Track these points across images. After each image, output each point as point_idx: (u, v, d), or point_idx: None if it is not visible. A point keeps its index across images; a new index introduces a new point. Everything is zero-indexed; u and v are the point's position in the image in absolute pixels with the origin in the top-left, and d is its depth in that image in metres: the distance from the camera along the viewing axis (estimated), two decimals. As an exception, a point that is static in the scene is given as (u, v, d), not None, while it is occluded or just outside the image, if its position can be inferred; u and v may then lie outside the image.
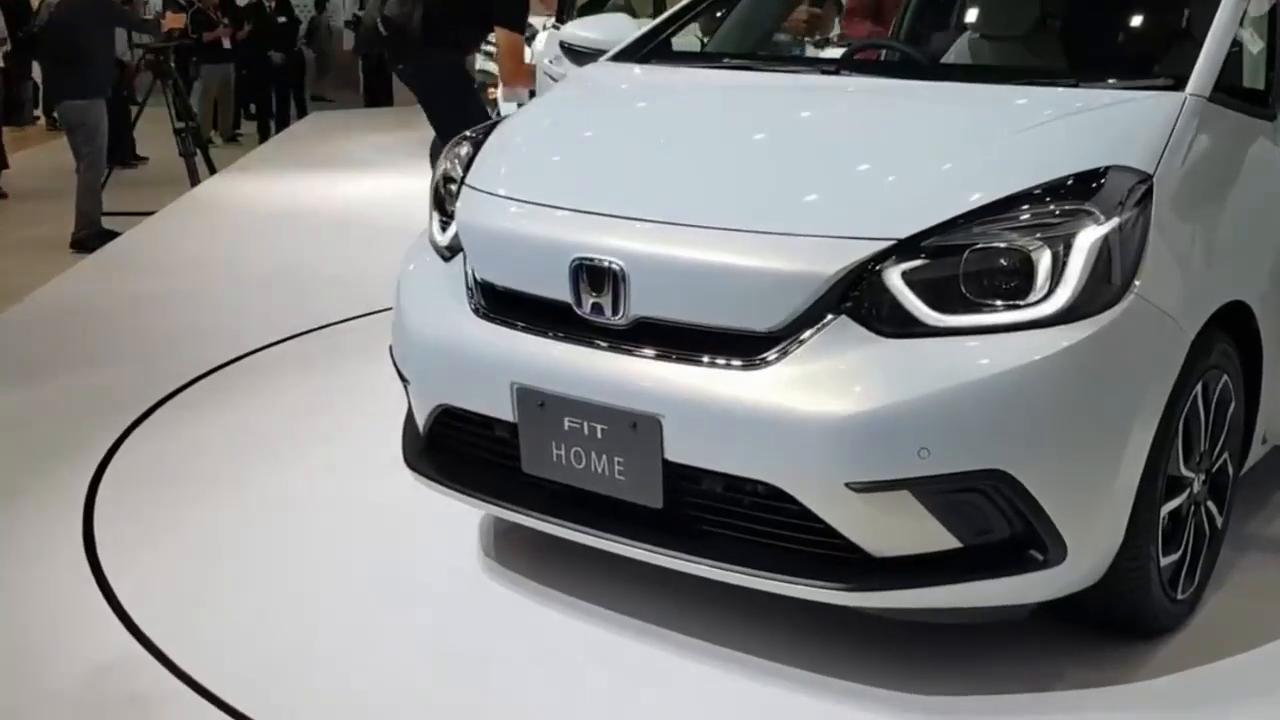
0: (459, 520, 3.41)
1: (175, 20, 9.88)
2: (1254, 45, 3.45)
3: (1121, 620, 2.89)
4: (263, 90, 15.04)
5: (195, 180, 10.32)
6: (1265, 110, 3.23)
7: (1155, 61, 3.36)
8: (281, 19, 15.18)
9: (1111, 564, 2.70)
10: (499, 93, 9.13)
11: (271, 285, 6.37)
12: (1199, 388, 2.83)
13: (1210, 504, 3.04)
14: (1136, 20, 3.88)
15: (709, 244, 2.67)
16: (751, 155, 2.97)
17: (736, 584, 2.70)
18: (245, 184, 10.02)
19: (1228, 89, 3.12)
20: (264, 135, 14.36)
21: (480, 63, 9.79)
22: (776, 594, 2.68)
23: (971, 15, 4.45)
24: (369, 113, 16.26)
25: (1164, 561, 2.84)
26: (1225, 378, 2.97)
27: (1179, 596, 2.95)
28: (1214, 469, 3.02)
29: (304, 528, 3.54)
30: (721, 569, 2.68)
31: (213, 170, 10.73)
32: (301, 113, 15.90)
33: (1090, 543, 2.63)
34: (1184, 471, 2.85)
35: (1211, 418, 2.93)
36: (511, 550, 3.34)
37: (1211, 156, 2.95)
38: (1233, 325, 3.01)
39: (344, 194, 9.33)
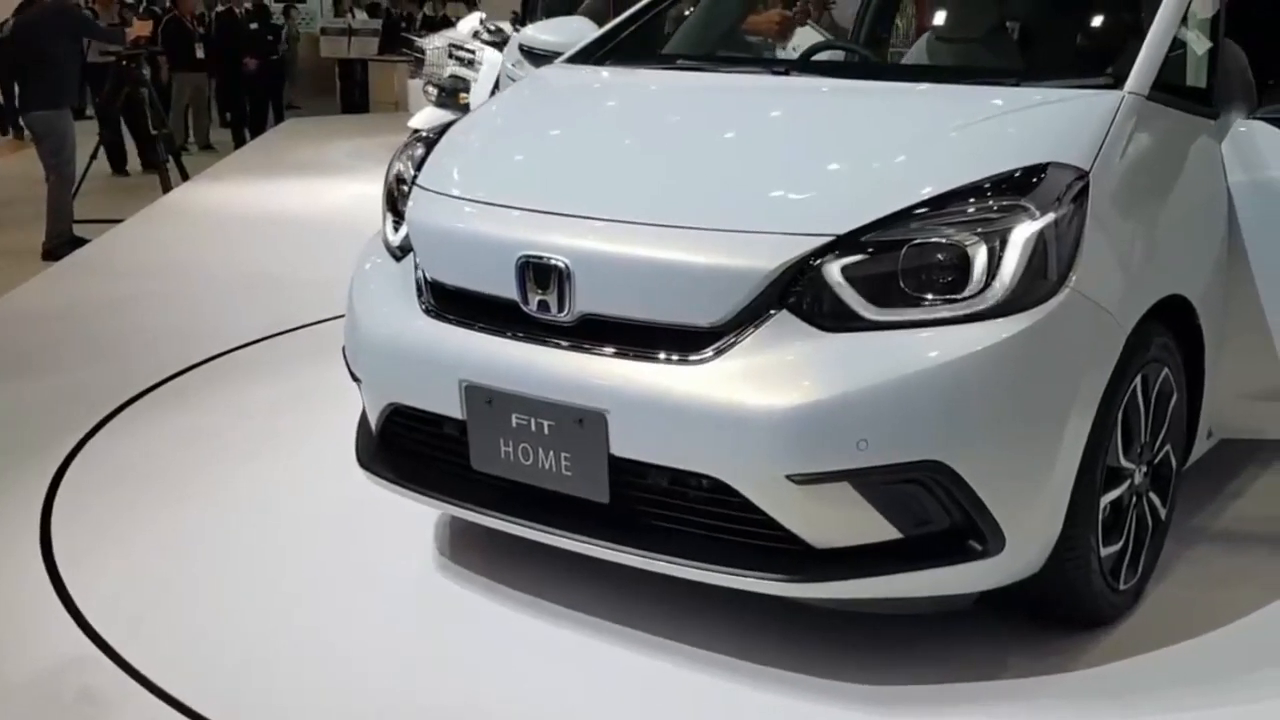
0: (417, 519, 3.44)
1: (142, 28, 9.88)
2: (1199, 46, 3.50)
3: (1063, 610, 2.94)
4: (237, 97, 15.02)
5: (167, 187, 10.32)
6: (1208, 109, 3.28)
7: (1104, 61, 3.40)
8: (254, 25, 15.15)
9: (1051, 554, 2.74)
10: (471, 98, 9.19)
11: (240, 289, 6.39)
12: (1138, 380, 2.88)
13: (1153, 495, 3.09)
14: (1087, 21, 3.94)
15: (652, 241, 2.70)
16: (695, 154, 3.01)
17: (683, 577, 2.73)
18: (217, 190, 10.02)
19: (1170, 88, 3.17)
20: (239, 142, 14.35)
21: (452, 68, 9.83)
22: (724, 586, 2.72)
23: (930, 18, 4.50)
24: (344, 119, 16.27)
25: (1105, 552, 2.88)
26: (1166, 371, 3.01)
27: (1121, 586, 3.00)
28: (1156, 461, 3.06)
29: (261, 528, 3.56)
30: (666, 562, 2.72)
31: (185, 177, 10.73)
32: (278, 119, 15.90)
33: (1028, 533, 2.67)
34: (1124, 463, 2.90)
35: (1152, 410, 2.98)
36: (468, 548, 3.37)
37: (1151, 153, 3.00)
38: (1173, 319, 3.06)
39: (317, 199, 9.34)
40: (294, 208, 9.01)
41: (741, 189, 2.80)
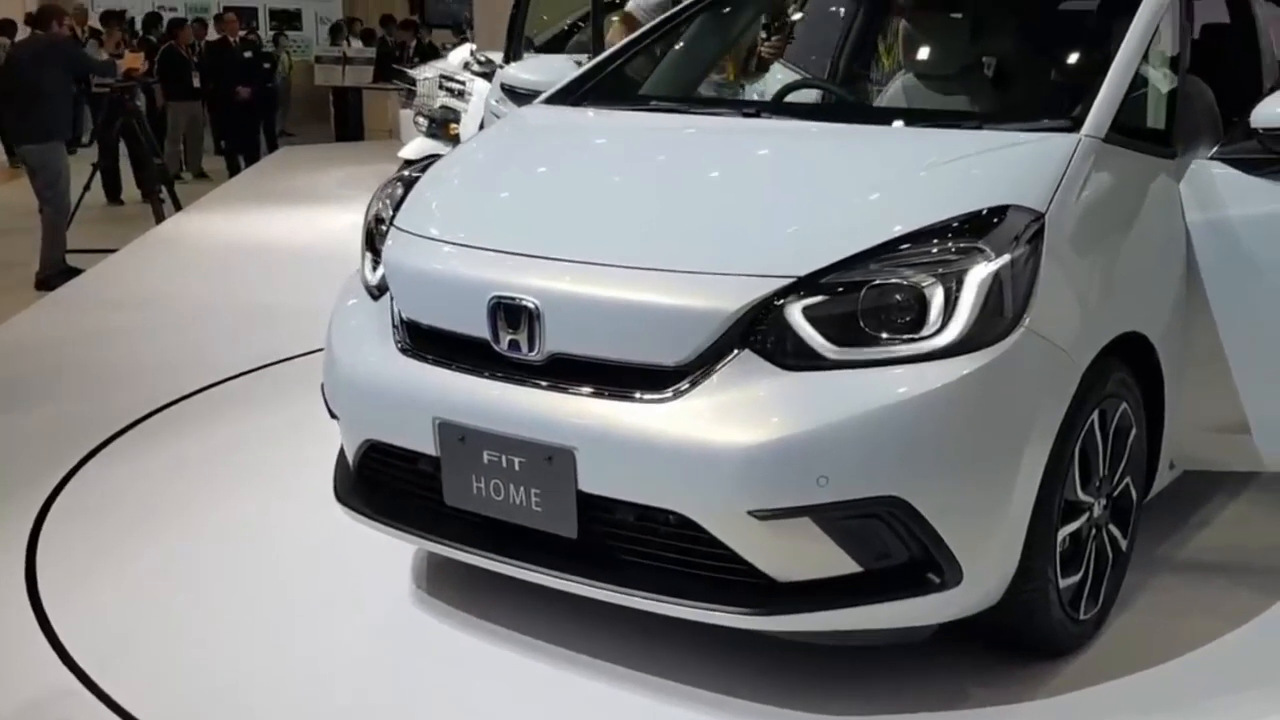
0: (394, 552, 3.50)
1: (133, 60, 9.98)
2: (1165, 85, 3.58)
3: (1023, 640, 3.00)
4: (230, 126, 15.13)
5: (160, 217, 10.41)
6: (1166, 149, 3.36)
7: (1070, 102, 3.46)
8: (247, 54, 15.28)
9: (1009, 586, 2.81)
10: (461, 129, 9.29)
11: (231, 320, 6.47)
12: (1095, 415, 2.95)
13: (1113, 527, 3.15)
14: (1054, 62, 4.01)
15: (619, 282, 2.78)
16: (663, 196, 3.09)
17: (647, 610, 2.79)
18: (209, 220, 10.11)
19: (1128, 130, 3.25)
20: (233, 170, 14.45)
21: (443, 99, 9.93)
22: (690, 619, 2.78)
23: (905, 55, 4.57)
24: (338, 147, 16.38)
25: (1064, 583, 2.95)
26: (1124, 405, 3.09)
27: (1081, 617, 3.06)
28: (1115, 493, 3.13)
29: (240, 561, 3.62)
30: (634, 596, 2.78)
31: (178, 207, 10.82)
32: (272, 147, 16.01)
33: (986, 565, 2.74)
34: (1082, 496, 2.97)
35: (1110, 444, 3.05)
36: (444, 581, 3.43)
37: (1107, 195, 3.08)
38: (1132, 355, 3.13)
39: (307, 228, 9.43)
40: (286, 237, 9.10)
41: (706, 231, 2.88)
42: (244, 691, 2.96)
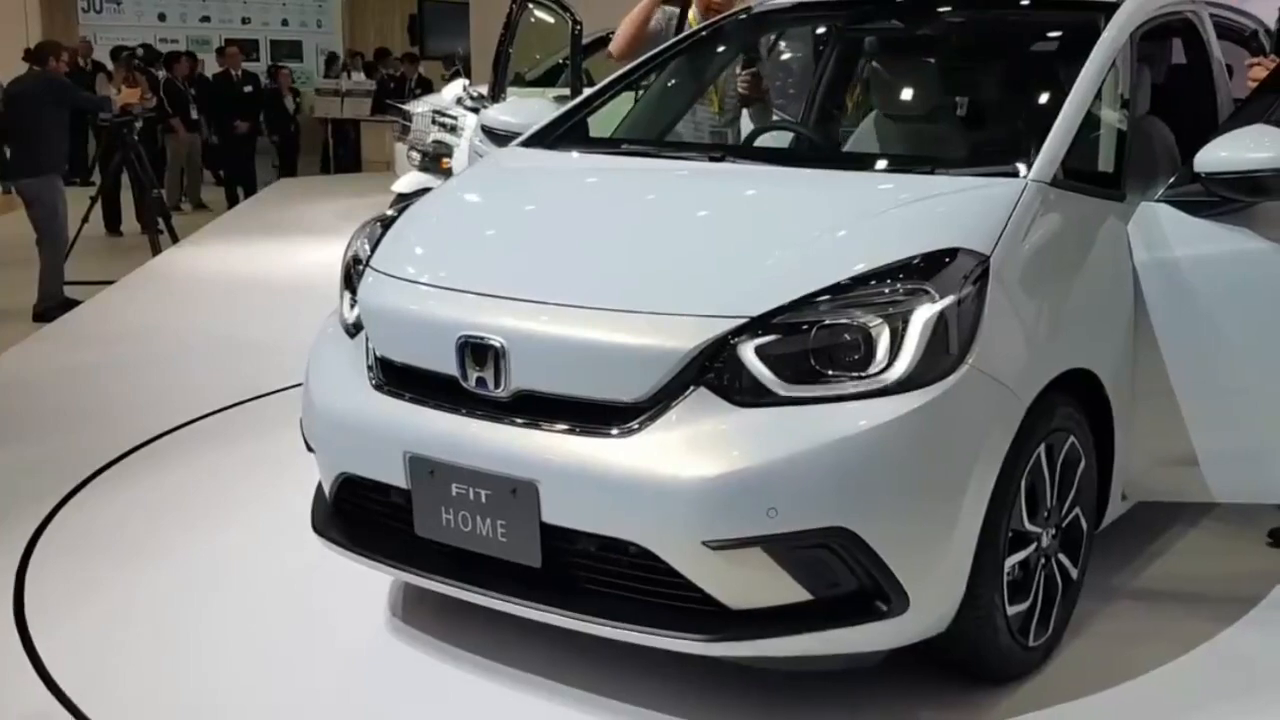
0: (371, 583, 3.61)
1: (130, 95, 10.13)
2: (1115, 130, 3.70)
3: (972, 666, 3.11)
4: (229, 158, 15.32)
5: (157, 249, 10.56)
6: (1116, 192, 3.49)
7: (1021, 148, 3.55)
8: (248, 88, 15.49)
9: (957, 613, 2.92)
10: (453, 164, 9.43)
11: (220, 354, 6.58)
12: (1042, 449, 3.07)
13: (1063, 556, 3.26)
14: (1011, 108, 4.14)
15: (581, 322, 2.90)
16: (625, 239, 3.22)
17: (607, 637, 2.91)
18: (204, 253, 10.24)
19: (1078, 174, 3.38)
20: (232, 202, 14.61)
21: (435, 134, 10.08)
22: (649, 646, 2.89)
23: (875, 97, 4.70)
24: (336, 179, 16.55)
25: (1012, 610, 3.06)
26: (1072, 439, 3.20)
27: (1031, 644, 3.17)
28: (1065, 524, 3.24)
29: (221, 591, 3.73)
30: (595, 623, 2.89)
31: (175, 239, 10.97)
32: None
33: (932, 594, 2.85)
34: (1029, 526, 3.08)
35: (1058, 476, 3.16)
36: (418, 611, 3.53)
37: (1054, 237, 3.21)
38: (1081, 391, 3.25)
39: (301, 261, 9.55)
40: (279, 270, 9.23)
41: (664, 273, 3.01)
42: (212, 712, 3.06)
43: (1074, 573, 3.33)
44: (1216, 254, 3.44)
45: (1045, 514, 3.14)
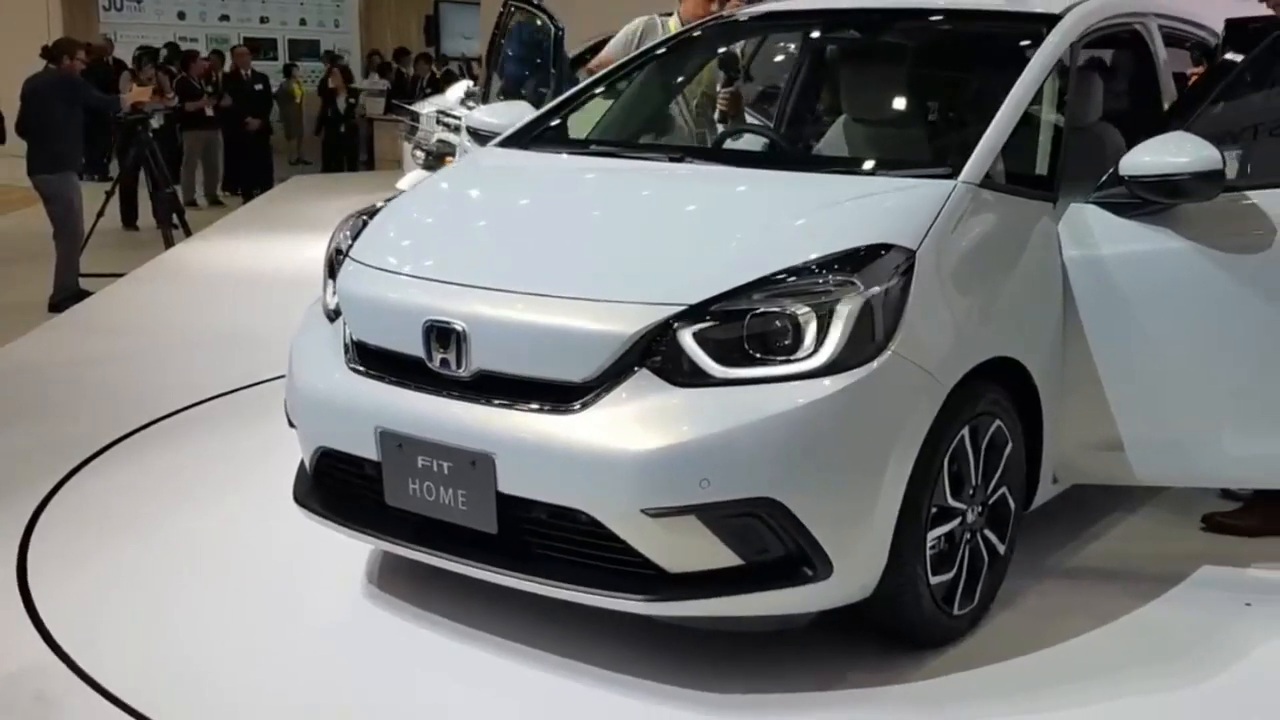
0: (350, 554, 3.86)
1: (141, 94, 10.40)
2: (1050, 135, 3.92)
3: (897, 630, 3.35)
4: (241, 155, 15.63)
5: (169, 243, 10.86)
6: (1047, 194, 3.72)
7: (955, 152, 3.74)
8: (258, 86, 15.82)
9: (880, 580, 3.16)
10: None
11: (219, 344, 6.85)
12: (965, 431, 3.30)
13: (989, 533, 3.49)
14: (952, 114, 4.39)
15: (534, 308, 3.16)
16: (580, 232, 3.49)
17: (558, 597, 3.16)
18: (216, 247, 10.55)
19: (1011, 176, 3.62)
20: (246, 198, 14.92)
21: (439, 134, 10.36)
22: (594, 606, 3.15)
23: (843, 101, 4.94)
24: (349, 176, 16.84)
25: (935, 580, 3.29)
26: (998, 423, 3.43)
27: (956, 612, 3.40)
28: (991, 501, 3.47)
29: (210, 560, 4.00)
30: (544, 584, 3.15)
31: (188, 233, 11.27)
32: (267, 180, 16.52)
33: (854, 561, 3.09)
34: (953, 503, 3.31)
35: (983, 457, 3.39)
36: (395, 580, 3.78)
37: (982, 235, 3.44)
38: (1009, 378, 3.49)
39: (307, 256, 9.67)
40: (285, 265, 9.47)
41: (612, 263, 3.27)
42: (209, 673, 3.32)
43: (1001, 548, 3.56)
44: (1140, 252, 3.67)
45: (970, 492, 3.37)
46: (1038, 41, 3.89)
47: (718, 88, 5.36)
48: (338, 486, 3.57)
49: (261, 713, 3.15)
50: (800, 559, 3.04)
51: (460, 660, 3.38)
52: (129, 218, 12.70)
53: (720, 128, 5.31)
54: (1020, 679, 3.31)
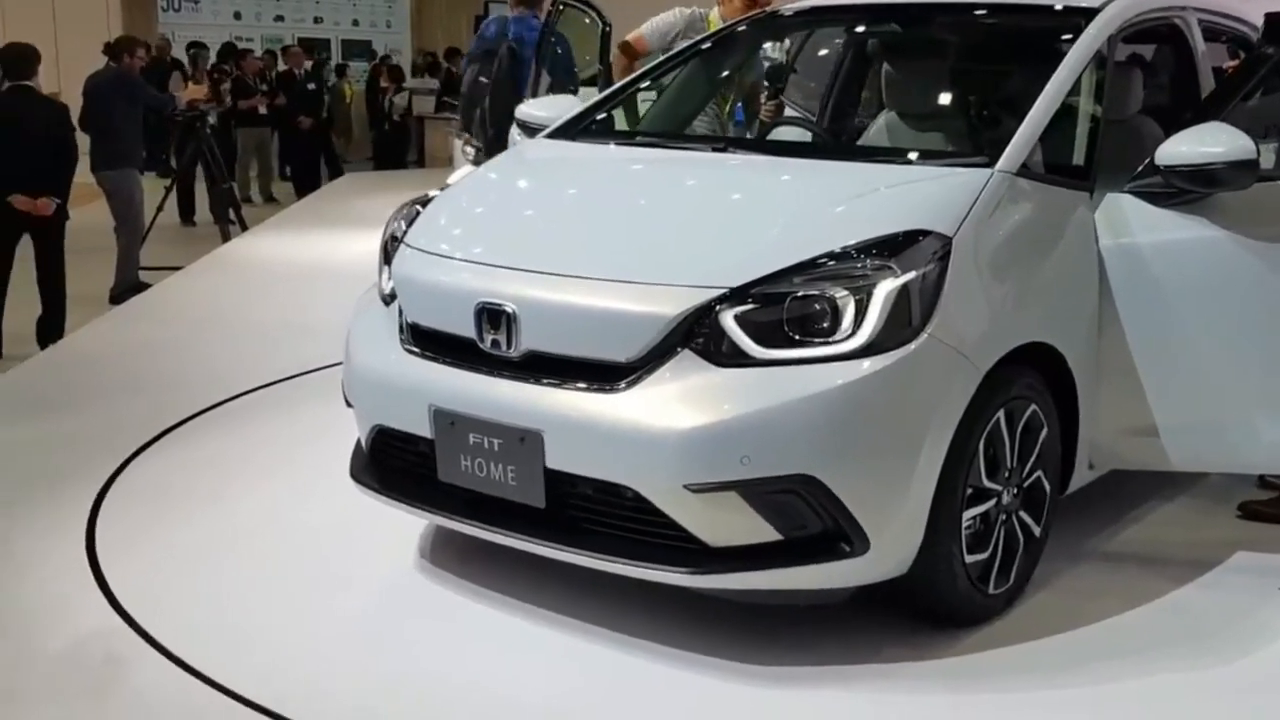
0: (403, 529, 4.00)
1: (196, 91, 10.63)
2: (1087, 127, 3.99)
3: (933, 607, 3.43)
4: (296, 153, 15.89)
5: (226, 237, 11.09)
6: (1084, 184, 3.79)
7: (994, 142, 3.80)
8: (311, 85, 16.07)
9: (916, 558, 3.25)
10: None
11: (273, 334, 7.05)
12: (1001, 414, 3.39)
13: (1025, 514, 3.57)
14: (992, 105, 4.46)
15: (582, 291, 3.28)
16: (626, 218, 3.61)
17: (604, 570, 3.28)
18: (271, 241, 10.76)
19: (1048, 165, 3.70)
20: (300, 194, 15.16)
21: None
22: (638, 578, 3.26)
23: (885, 94, 5.03)
24: (399, 174, 17.04)
25: (970, 559, 3.38)
26: (1033, 407, 3.51)
27: (991, 591, 3.49)
28: (1027, 484, 3.55)
29: (268, 533, 4.16)
30: (590, 557, 3.27)
31: (244, 228, 11.50)
32: (335, 174, 16.76)
33: (892, 538, 3.19)
34: (989, 484, 3.39)
35: (1018, 440, 3.48)
36: (445, 554, 3.92)
37: (1018, 222, 3.52)
38: (1046, 364, 3.57)
39: (359, 250, 9.91)
40: (338, 258, 9.67)
41: (656, 248, 3.38)
42: (267, 637, 3.47)
43: (1036, 530, 3.63)
44: (1175, 241, 3.74)
45: (1006, 474, 3.46)
46: (1076, 34, 3.96)
47: (762, 99, 5.46)
48: (392, 463, 3.70)
49: (314, 675, 3.28)
50: (838, 535, 3.14)
51: (506, 630, 3.50)
52: (186, 213, 12.96)
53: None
54: (1053, 657, 3.39)
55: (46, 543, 4.08)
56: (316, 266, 9.44)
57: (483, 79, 7.82)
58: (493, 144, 7.44)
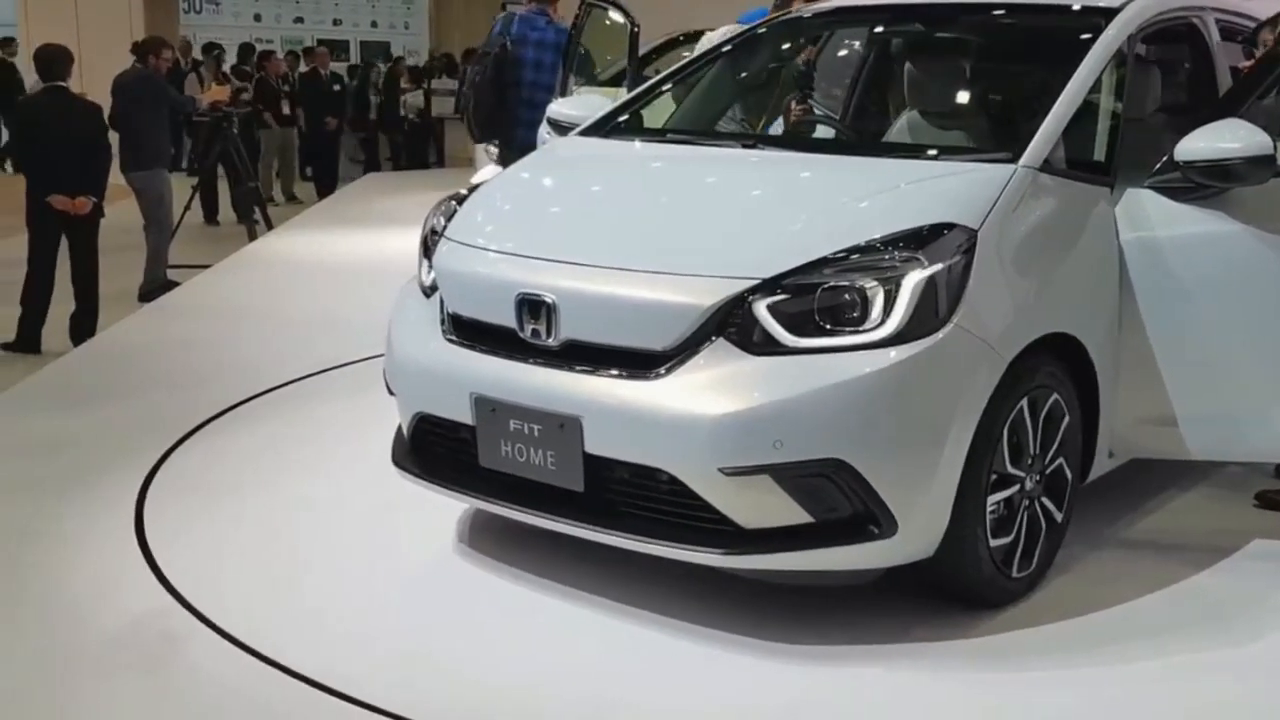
0: (442, 514, 4.13)
1: (219, 93, 10.76)
2: (1108, 124, 4.09)
3: (959, 589, 3.55)
4: (320, 154, 16.05)
5: (253, 236, 11.23)
6: (1105, 179, 3.90)
7: (1017, 138, 3.89)
8: (336, 87, 16.23)
9: (942, 541, 3.36)
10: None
11: (307, 328, 7.19)
12: (1024, 402, 3.49)
13: (1047, 500, 3.67)
14: (1015, 102, 4.56)
15: (619, 281, 3.40)
16: (661, 210, 3.74)
17: (641, 551, 3.40)
18: (297, 240, 10.90)
19: (1070, 161, 3.81)
20: (322, 194, 15.30)
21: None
22: (679, 561, 3.38)
23: (908, 93, 5.13)
24: (420, 174, 17.19)
25: (995, 543, 3.48)
26: (1055, 396, 3.62)
27: (1015, 575, 3.59)
28: (1049, 471, 3.66)
29: (311, 517, 4.29)
30: (627, 539, 3.39)
31: (270, 227, 11.64)
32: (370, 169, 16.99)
33: (919, 521, 3.30)
34: (1012, 470, 3.50)
35: (1040, 428, 3.58)
36: (483, 538, 4.05)
37: (1041, 216, 3.63)
38: (1068, 354, 3.67)
39: (383, 248, 10.13)
40: (363, 255, 9.84)
41: (691, 240, 3.50)
42: (312, 612, 3.61)
43: (1058, 516, 3.74)
44: (1194, 235, 3.84)
45: (1029, 460, 3.56)
46: (1097, 34, 4.07)
47: (792, 104, 5.55)
48: (433, 450, 3.83)
49: (360, 651, 3.40)
50: (867, 517, 3.25)
51: (544, 610, 3.62)
52: (209, 213, 13.11)
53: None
54: (1073, 638, 3.50)
55: (98, 526, 4.21)
56: (343, 264, 9.59)
57: (478, 79, 7.95)
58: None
